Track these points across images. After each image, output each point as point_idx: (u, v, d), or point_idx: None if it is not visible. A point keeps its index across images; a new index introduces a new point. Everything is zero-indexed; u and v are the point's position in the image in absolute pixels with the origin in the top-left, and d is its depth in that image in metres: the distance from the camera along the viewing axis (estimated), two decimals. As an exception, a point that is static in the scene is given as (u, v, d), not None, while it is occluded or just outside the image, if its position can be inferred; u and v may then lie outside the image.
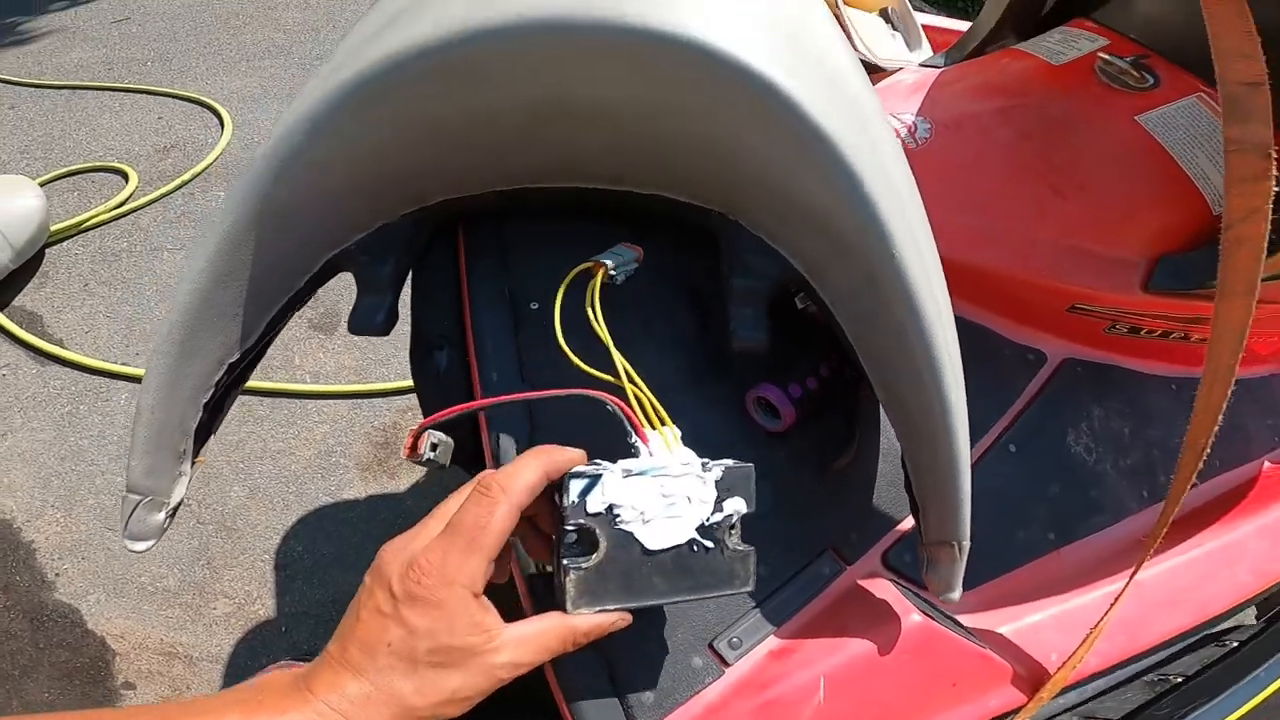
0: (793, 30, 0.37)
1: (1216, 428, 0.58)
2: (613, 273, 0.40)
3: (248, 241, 0.42)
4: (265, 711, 0.28)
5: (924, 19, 1.45)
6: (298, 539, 1.31)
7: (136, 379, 1.50)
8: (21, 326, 1.58)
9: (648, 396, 0.37)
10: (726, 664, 0.47)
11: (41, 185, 1.82)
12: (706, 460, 0.36)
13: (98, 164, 2.05)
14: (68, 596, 1.24)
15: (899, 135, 0.79)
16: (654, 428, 0.37)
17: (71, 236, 1.83)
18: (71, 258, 1.78)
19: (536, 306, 0.48)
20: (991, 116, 0.78)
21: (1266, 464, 0.90)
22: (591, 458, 0.36)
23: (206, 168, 2.05)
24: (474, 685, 0.31)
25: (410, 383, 1.37)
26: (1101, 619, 0.56)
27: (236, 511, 1.35)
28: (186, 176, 2.00)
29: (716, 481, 0.36)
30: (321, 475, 1.40)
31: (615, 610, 0.35)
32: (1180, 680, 0.72)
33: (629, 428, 0.36)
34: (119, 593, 1.24)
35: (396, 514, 1.35)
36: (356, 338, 1.43)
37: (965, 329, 0.88)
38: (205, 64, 2.66)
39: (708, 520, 0.36)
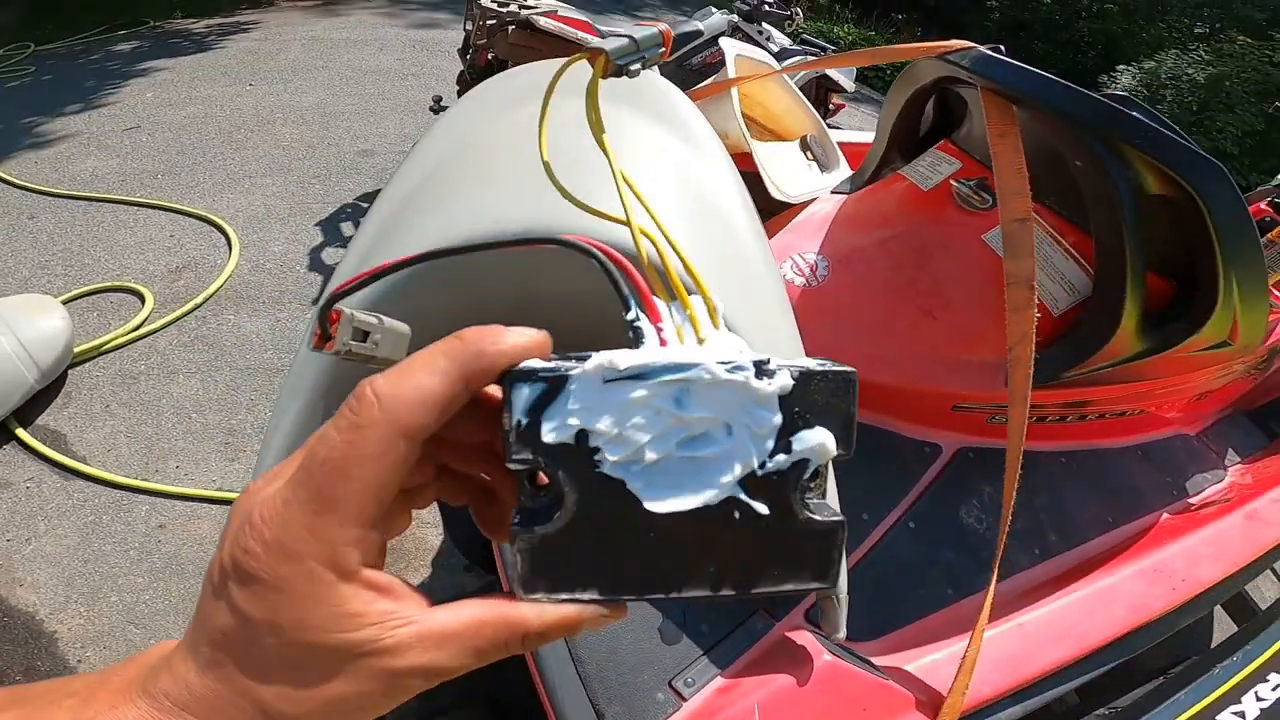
0: (698, 208, 0.48)
1: (1014, 500, 0.73)
2: (621, 60, 0.28)
3: (319, 408, 0.52)
4: (92, 708, 0.20)
5: (841, 136, 1.68)
6: None
7: (158, 493, 1.60)
8: (45, 444, 1.67)
9: (667, 238, 0.23)
10: (684, 699, 0.62)
11: (64, 304, 1.93)
12: (766, 358, 0.20)
13: (115, 284, 2.20)
14: (88, 685, 1.31)
15: (803, 274, 1.00)
16: (672, 297, 0.22)
17: (93, 358, 1.93)
18: (93, 379, 1.88)
19: None
20: (874, 249, 0.99)
21: (1165, 515, 1.03)
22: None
23: (216, 291, 2.21)
24: (366, 696, 0.20)
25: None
26: (965, 654, 0.69)
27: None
28: (199, 300, 2.15)
29: (784, 398, 0.20)
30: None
31: (589, 602, 0.21)
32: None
33: (624, 290, 0.22)
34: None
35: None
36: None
37: (869, 431, 1.04)
38: (211, 179, 2.87)
39: (762, 466, 0.20)
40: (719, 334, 0.22)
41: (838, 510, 0.22)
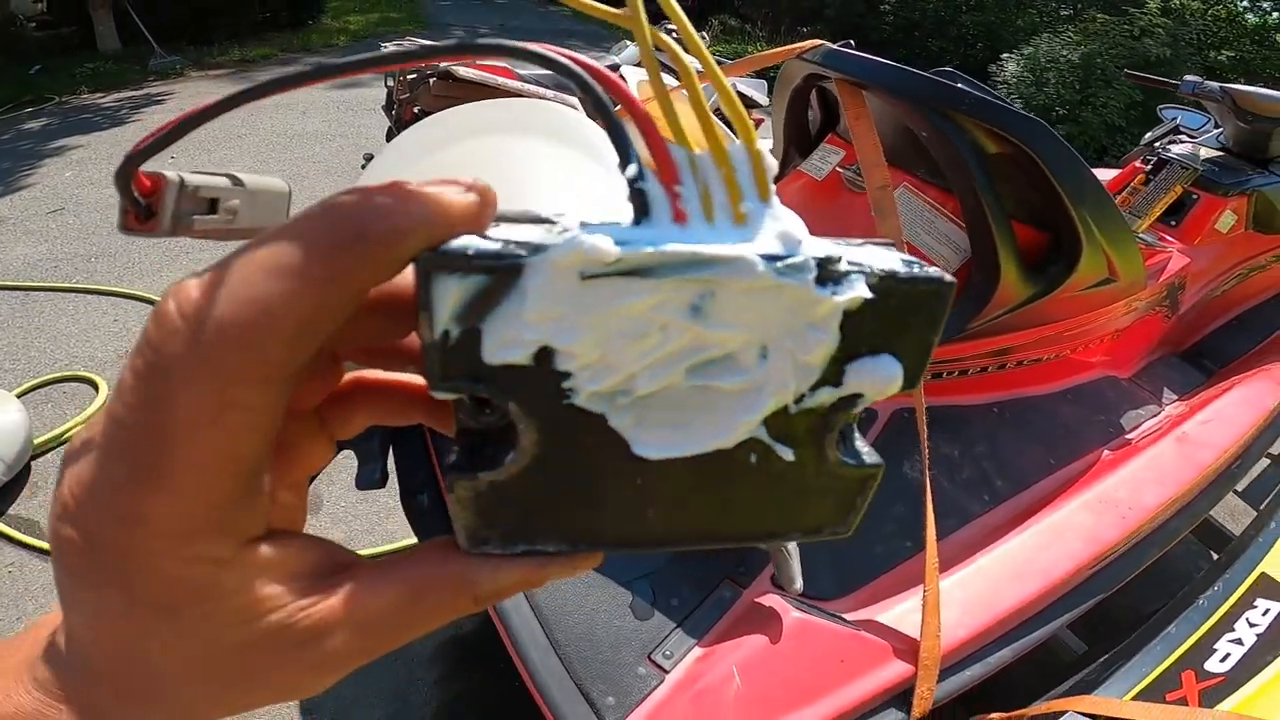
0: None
1: (925, 434, 0.78)
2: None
3: None
4: None
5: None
6: None
7: None
8: (20, 531, 1.64)
9: (699, 51, 0.15)
10: (665, 671, 0.65)
11: (17, 397, 1.90)
12: (836, 254, 0.14)
13: (67, 374, 2.16)
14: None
15: None
16: (685, 142, 0.15)
17: (55, 448, 1.90)
18: (57, 468, 1.81)
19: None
20: None
21: (1106, 452, 1.10)
22: None
23: (169, 373, 2.18)
24: (291, 688, 0.16)
25: (393, 545, 1.62)
26: (924, 597, 0.74)
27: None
28: (153, 383, 2.12)
29: (849, 317, 0.14)
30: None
31: (554, 554, 0.16)
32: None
33: (620, 130, 0.15)
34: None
35: (407, 655, 1.42)
36: (341, 513, 1.68)
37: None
38: (147, 258, 2.82)
39: (799, 401, 0.15)
40: (766, 207, 0.14)
41: (873, 450, 0.17)
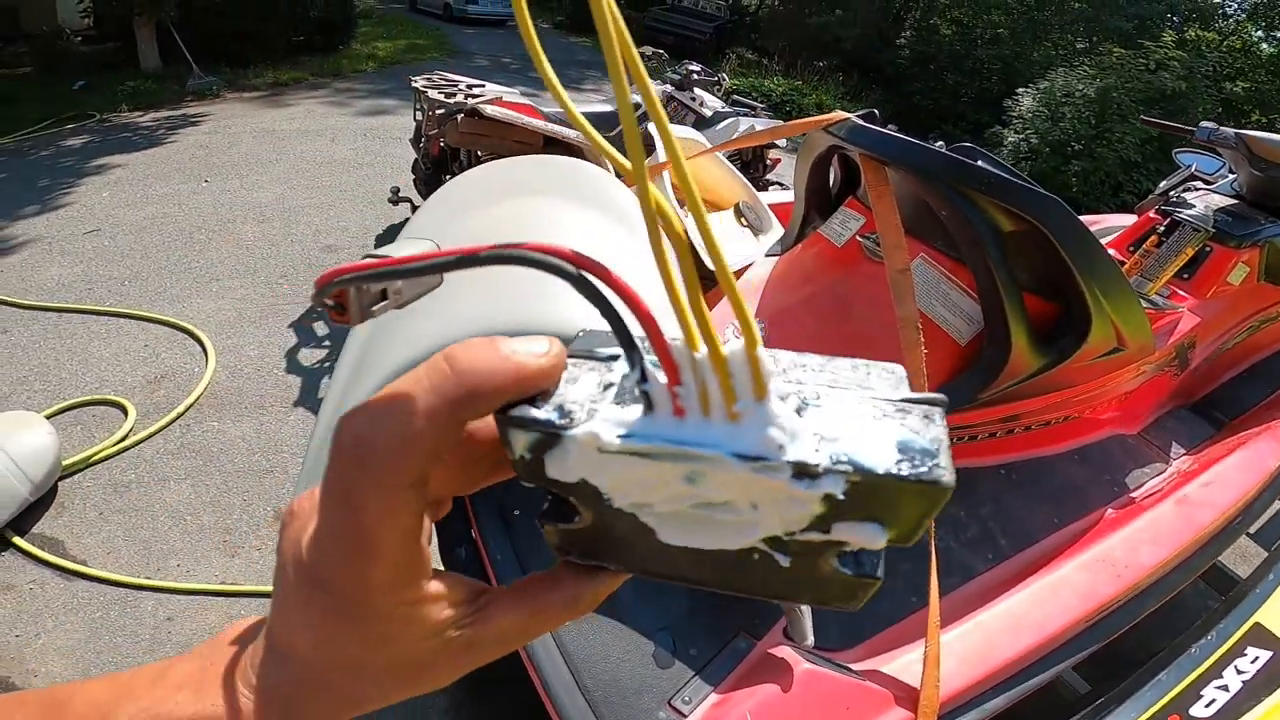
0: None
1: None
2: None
3: None
4: (208, 699, 0.21)
5: (773, 197, 1.82)
6: None
7: (162, 590, 1.63)
8: (43, 550, 1.69)
9: (715, 252, 0.16)
10: (684, 715, 0.70)
11: (47, 419, 1.95)
12: (819, 460, 0.16)
13: (97, 398, 2.22)
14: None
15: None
16: (693, 344, 0.17)
17: (82, 470, 1.95)
18: (84, 489, 1.90)
19: (518, 513, 0.76)
20: (800, 307, 1.13)
21: (1110, 511, 1.14)
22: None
23: (197, 400, 2.25)
24: (453, 672, 0.22)
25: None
26: (926, 650, 0.79)
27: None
28: (180, 409, 2.18)
29: (828, 498, 0.16)
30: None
31: (614, 570, 0.22)
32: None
33: (628, 332, 0.18)
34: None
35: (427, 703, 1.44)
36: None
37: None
38: (179, 283, 2.90)
39: (790, 535, 0.18)
40: (761, 407, 0.16)
41: (876, 567, 0.19)
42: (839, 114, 1.07)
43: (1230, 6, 9.46)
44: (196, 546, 1.77)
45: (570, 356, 0.20)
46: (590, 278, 0.17)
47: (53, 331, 2.57)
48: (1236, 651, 0.83)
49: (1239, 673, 0.81)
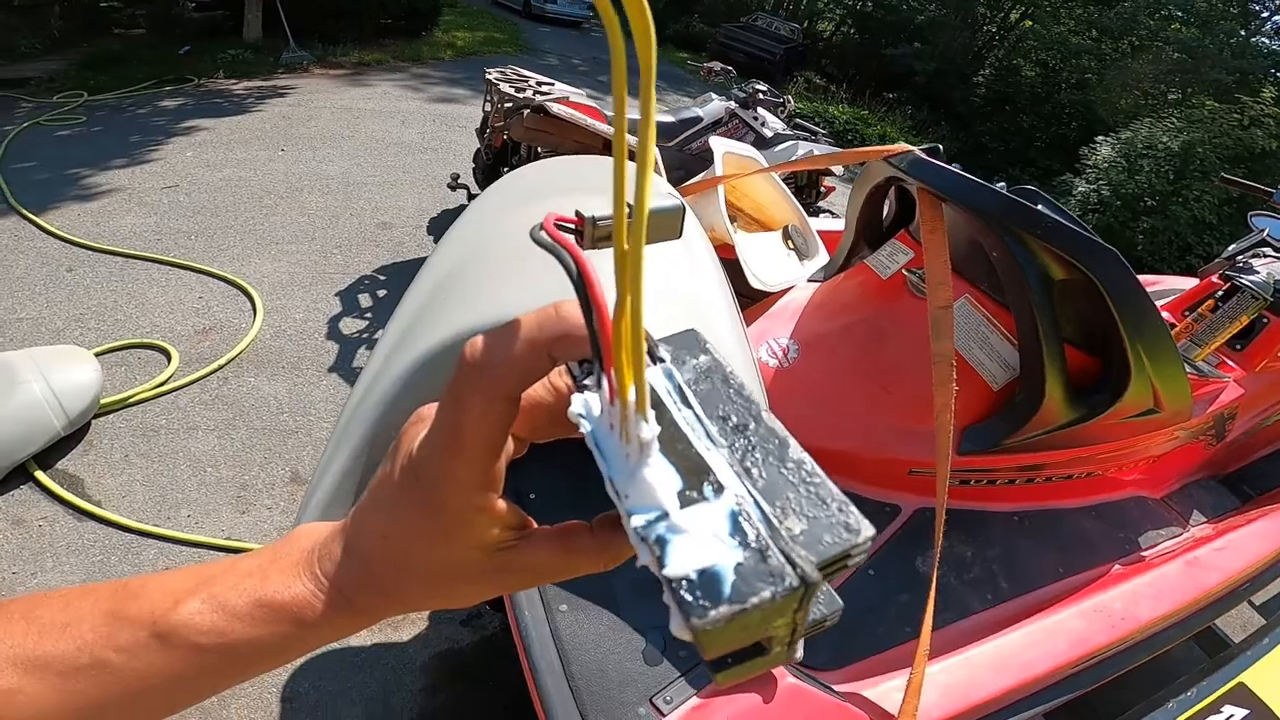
0: (681, 300, 0.61)
1: (941, 543, 0.81)
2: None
3: (363, 454, 0.67)
4: (270, 586, 0.24)
5: (822, 225, 1.83)
6: (304, 676, 1.43)
7: (167, 539, 1.67)
8: (63, 487, 1.74)
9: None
10: (663, 715, 0.71)
11: (95, 356, 2.02)
12: (649, 533, 0.17)
13: (145, 341, 2.33)
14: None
15: (776, 357, 1.13)
16: (620, 368, 0.18)
17: (117, 410, 2.03)
18: (115, 430, 1.98)
19: (534, 497, 0.78)
20: (838, 335, 1.13)
21: (1117, 566, 1.12)
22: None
23: (240, 354, 2.33)
24: (478, 595, 0.26)
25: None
26: (909, 679, 0.78)
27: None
28: (222, 361, 2.27)
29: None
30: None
31: None
32: None
33: (595, 340, 0.19)
34: None
35: (398, 659, 1.48)
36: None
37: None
38: (241, 243, 3.03)
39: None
40: (643, 453, 0.18)
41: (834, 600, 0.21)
42: (902, 145, 1.07)
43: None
44: (210, 499, 1.81)
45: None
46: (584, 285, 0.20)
47: (116, 275, 2.71)
48: (1213, 709, 0.82)
49: None
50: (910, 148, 1.06)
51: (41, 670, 0.23)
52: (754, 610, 0.15)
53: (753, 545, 0.17)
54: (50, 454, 1.84)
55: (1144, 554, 1.15)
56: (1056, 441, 1.03)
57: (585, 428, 0.20)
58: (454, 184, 3.19)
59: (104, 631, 0.24)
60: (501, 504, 0.24)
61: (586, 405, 0.20)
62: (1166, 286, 1.76)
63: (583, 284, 0.19)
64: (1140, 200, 6.56)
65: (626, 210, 0.17)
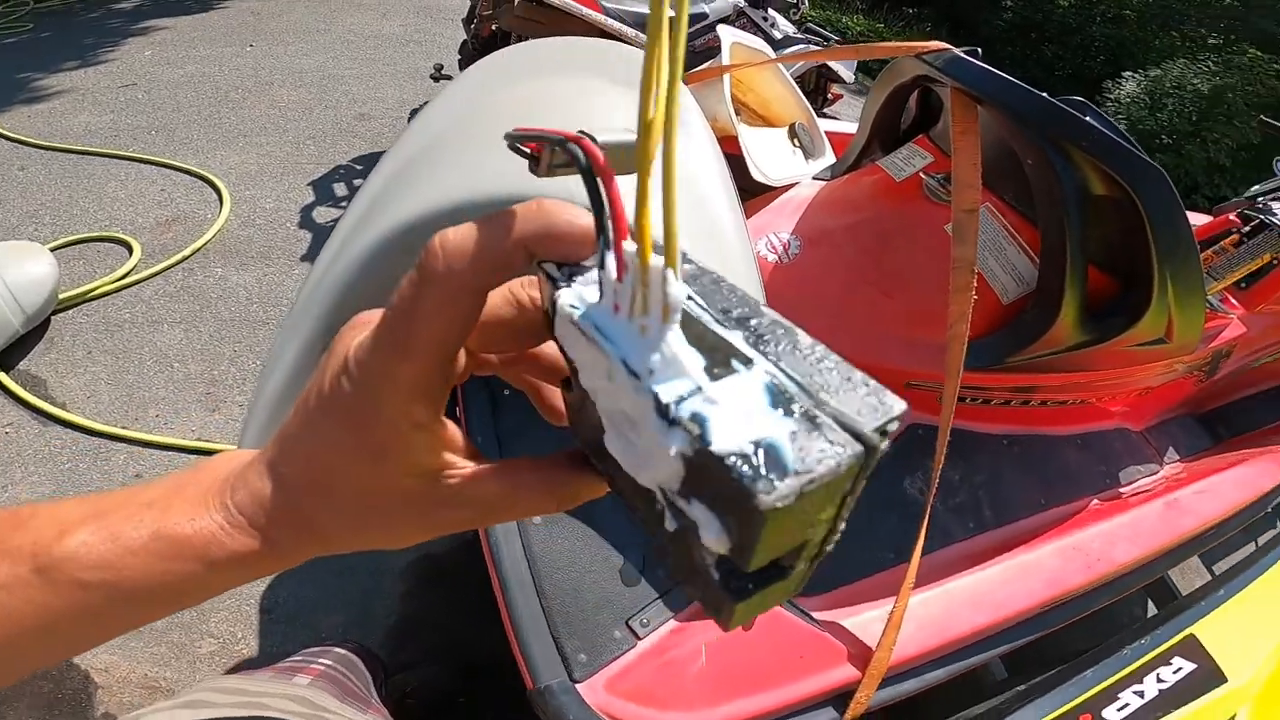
0: (684, 184, 0.56)
1: (942, 466, 0.77)
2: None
3: (317, 348, 0.60)
4: (172, 518, 0.21)
5: (831, 126, 1.72)
6: (283, 586, 1.41)
7: (135, 441, 1.60)
8: (26, 389, 1.66)
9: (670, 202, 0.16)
10: (639, 637, 0.68)
11: (51, 251, 1.91)
12: (680, 411, 0.15)
13: (104, 234, 2.19)
14: (55, 630, 1.32)
15: (776, 252, 1.05)
16: (634, 236, 0.16)
17: (77, 305, 1.93)
18: (76, 326, 1.88)
19: (508, 393, 0.71)
20: (843, 233, 1.05)
21: (1095, 501, 1.11)
22: None
23: (205, 244, 2.20)
24: (413, 531, 0.22)
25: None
26: (891, 613, 0.76)
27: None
28: (187, 252, 2.14)
29: (685, 462, 0.15)
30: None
31: (599, 473, 0.22)
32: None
33: (605, 210, 0.18)
34: (107, 628, 1.33)
35: (377, 565, 1.46)
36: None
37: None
38: (206, 137, 2.84)
39: (669, 492, 0.16)
40: (664, 329, 0.16)
41: (746, 591, 0.17)
42: (939, 44, 0.96)
43: None
44: (179, 397, 1.74)
45: None
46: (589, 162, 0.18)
47: (71, 171, 2.54)
48: (1163, 659, 0.82)
49: (1159, 681, 0.80)
50: (948, 46, 0.95)
51: None
52: (819, 483, 0.14)
53: (799, 414, 0.15)
54: (10, 354, 1.76)
55: (1121, 490, 1.14)
56: (1057, 364, 0.99)
57: (576, 314, 0.18)
58: (437, 75, 2.97)
59: None
60: (447, 427, 0.21)
61: (580, 296, 0.18)
62: None
63: (588, 160, 0.18)
64: (1157, 137, 6.38)
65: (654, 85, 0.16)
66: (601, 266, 0.18)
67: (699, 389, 0.15)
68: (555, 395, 0.25)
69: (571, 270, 0.19)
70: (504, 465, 0.22)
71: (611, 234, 0.18)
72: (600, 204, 0.18)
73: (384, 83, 3.62)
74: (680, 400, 0.15)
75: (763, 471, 0.13)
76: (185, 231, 2.27)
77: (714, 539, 0.15)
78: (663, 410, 0.15)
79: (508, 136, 0.21)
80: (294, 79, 3.50)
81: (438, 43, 4.27)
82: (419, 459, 0.21)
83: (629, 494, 0.20)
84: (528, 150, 0.21)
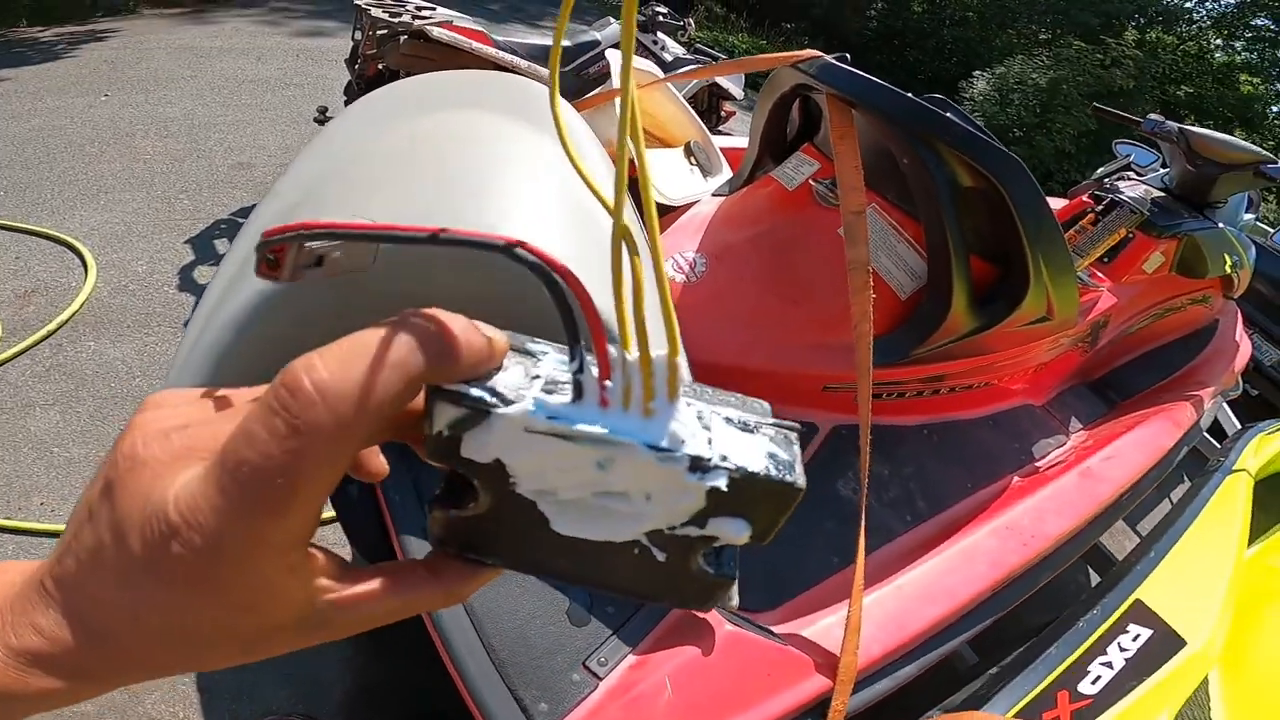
0: (576, 209, 0.53)
1: (869, 464, 0.80)
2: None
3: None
4: None
5: (726, 142, 1.77)
6: None
7: (21, 531, 1.45)
8: None
9: (657, 264, 0.20)
10: (599, 678, 0.65)
11: None
12: (711, 455, 0.19)
13: None
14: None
15: (683, 271, 1.07)
16: (623, 344, 0.19)
17: None
18: None
19: None
20: (745, 246, 1.07)
21: (1016, 479, 1.16)
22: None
23: (73, 316, 2.00)
24: (279, 648, 0.20)
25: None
26: (848, 618, 0.76)
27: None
28: (52, 326, 1.94)
29: (712, 491, 0.19)
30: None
31: (492, 565, 0.22)
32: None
33: (578, 328, 0.20)
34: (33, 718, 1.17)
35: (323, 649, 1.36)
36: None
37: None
38: (60, 195, 2.59)
39: (671, 529, 0.20)
40: (672, 407, 0.19)
41: (733, 568, 0.22)
42: (811, 51, 1.01)
43: (1198, 13, 9.79)
44: (64, 483, 1.58)
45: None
46: (557, 277, 0.20)
47: (-100, 246, 2.23)
48: (1119, 628, 0.84)
49: (1122, 650, 0.82)
50: (819, 53, 1.01)
51: None
52: (802, 463, 0.21)
53: (761, 433, 0.21)
54: None
55: (1038, 464, 1.20)
56: (957, 351, 1.05)
57: (543, 423, 0.19)
58: (321, 117, 2.84)
59: None
60: (317, 552, 0.20)
61: (541, 404, 0.19)
62: None
63: (564, 285, 0.20)
64: (1010, 131, 7.01)
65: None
66: (580, 370, 0.19)
67: (710, 440, 0.20)
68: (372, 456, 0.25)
69: (470, 384, 0.19)
70: (390, 577, 0.21)
71: (590, 339, 0.19)
72: (569, 309, 0.20)
73: (263, 129, 3.43)
74: (710, 450, 0.19)
75: (784, 470, 0.20)
76: (48, 303, 2.06)
77: (736, 535, 0.20)
78: (699, 465, 0.19)
79: (260, 244, 0.20)
80: (158, 128, 3.25)
81: (321, 85, 4.11)
82: (292, 598, 0.19)
83: (575, 565, 0.22)
84: (270, 256, 0.20)
